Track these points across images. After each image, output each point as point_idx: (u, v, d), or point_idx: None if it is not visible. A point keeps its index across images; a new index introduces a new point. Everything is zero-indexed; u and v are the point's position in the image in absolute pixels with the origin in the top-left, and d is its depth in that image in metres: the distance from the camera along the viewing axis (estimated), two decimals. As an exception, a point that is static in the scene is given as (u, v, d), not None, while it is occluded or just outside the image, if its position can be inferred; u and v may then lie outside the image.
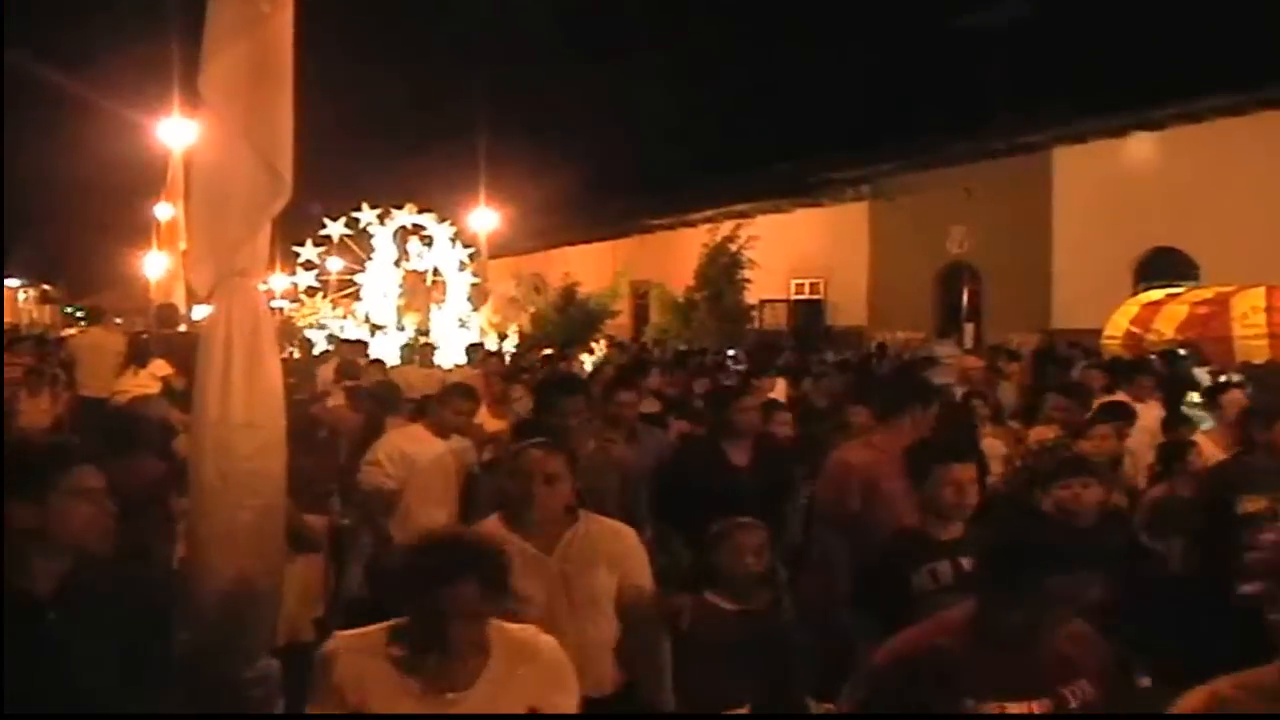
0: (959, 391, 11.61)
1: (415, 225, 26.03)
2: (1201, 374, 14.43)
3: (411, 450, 8.33)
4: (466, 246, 26.82)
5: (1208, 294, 19.38)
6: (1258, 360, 15.39)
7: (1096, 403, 10.36)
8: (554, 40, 44.06)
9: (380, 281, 25.42)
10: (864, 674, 3.97)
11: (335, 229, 26.10)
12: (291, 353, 19.19)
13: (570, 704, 3.87)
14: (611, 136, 46.36)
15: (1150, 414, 10.45)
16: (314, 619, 6.90)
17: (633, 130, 46.51)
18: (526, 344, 25.02)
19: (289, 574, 5.56)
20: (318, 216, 26.11)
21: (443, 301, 25.21)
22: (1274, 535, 3.91)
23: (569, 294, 34.95)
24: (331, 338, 23.07)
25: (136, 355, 14.15)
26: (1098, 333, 20.55)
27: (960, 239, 31.10)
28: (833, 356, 21.61)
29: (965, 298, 31.36)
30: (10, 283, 60.27)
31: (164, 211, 26.60)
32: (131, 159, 31.58)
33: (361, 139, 42.53)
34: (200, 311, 19.09)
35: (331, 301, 26.49)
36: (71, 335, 23.03)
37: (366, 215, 25.92)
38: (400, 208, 26.04)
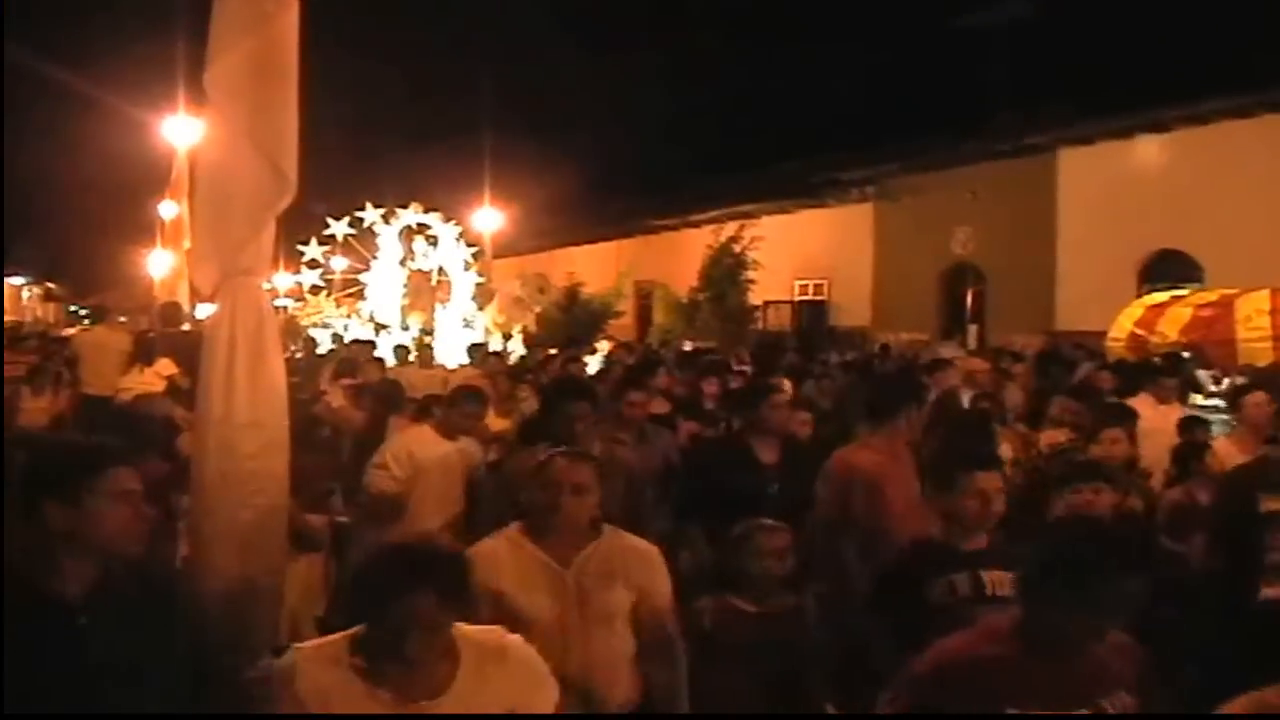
0: (966, 394, 11.57)
1: (420, 224, 26.06)
2: (1204, 377, 14.41)
3: (419, 453, 8.30)
4: (471, 246, 26.84)
5: (1212, 297, 19.35)
6: (1261, 363, 15.35)
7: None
8: (559, 40, 44.08)
9: (385, 281, 25.45)
10: (904, 680, 3.91)
11: (340, 228, 26.14)
12: (294, 352, 19.19)
13: (549, 701, 3.84)
14: (616, 136, 46.38)
15: (1173, 416, 10.27)
16: (316, 617, 6.90)
17: (637, 130, 46.53)
18: (534, 344, 24.99)
19: (291, 572, 5.57)
20: (321, 216, 26.14)
21: (447, 301, 25.21)
22: None
23: (573, 294, 34.96)
24: (336, 337, 23.10)
25: (142, 354, 14.15)
26: (1102, 335, 20.51)
27: (964, 240, 31.06)
28: (836, 358, 21.55)
29: (969, 299, 31.32)
30: (14, 280, 60.42)
31: (168, 210, 26.59)
32: (136, 157, 31.58)
33: (365, 138, 42.59)
34: (204, 310, 19.14)
35: (335, 300, 26.53)
36: (76, 333, 23.06)
37: (371, 214, 25.95)
38: (405, 207, 26.07)
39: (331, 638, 3.66)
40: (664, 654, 4.93)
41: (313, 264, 26.66)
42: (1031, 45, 32.26)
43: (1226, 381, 13.96)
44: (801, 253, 35.42)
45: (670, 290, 34.76)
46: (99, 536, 3.60)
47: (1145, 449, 8.94)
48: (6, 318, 46.17)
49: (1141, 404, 10.98)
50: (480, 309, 25.70)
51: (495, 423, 10.31)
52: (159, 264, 29.22)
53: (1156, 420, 10.08)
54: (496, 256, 31.36)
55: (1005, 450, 9.02)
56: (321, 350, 21.73)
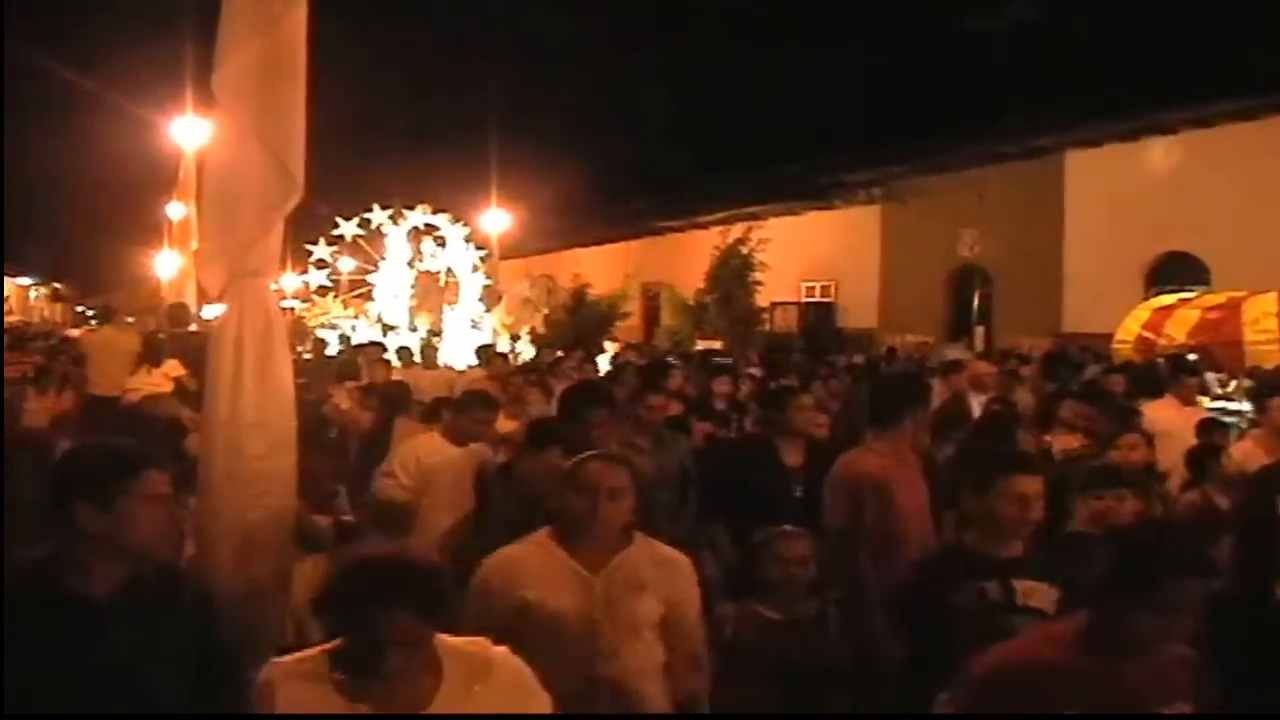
0: (977, 398, 11.53)
1: (428, 225, 26.08)
2: (1211, 379, 14.40)
3: (428, 460, 8.12)
4: (479, 248, 26.85)
5: (1219, 299, 19.39)
6: (1268, 365, 15.35)
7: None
8: (565, 41, 44.01)
9: (393, 282, 25.46)
10: (963, 682, 3.86)
11: (348, 229, 26.17)
12: (301, 353, 19.19)
13: (543, 710, 3.71)
14: (623, 138, 46.33)
15: (1196, 418, 10.11)
16: (322, 618, 6.88)
17: (644, 132, 46.47)
18: (542, 345, 24.97)
19: (297, 573, 5.55)
20: (329, 216, 26.17)
21: (455, 302, 25.22)
22: None
23: (580, 295, 34.97)
24: (343, 338, 23.11)
25: (150, 355, 14.14)
26: (1109, 337, 20.55)
27: (971, 242, 31.09)
28: (843, 360, 21.54)
29: (976, 301, 31.32)
30: (22, 281, 60.59)
31: (176, 211, 26.66)
32: (144, 158, 31.66)
33: (372, 139, 42.57)
34: (211, 311, 19.16)
35: (343, 301, 26.55)
36: (83, 334, 23.07)
37: (379, 215, 25.98)
38: (412, 208, 26.09)
39: (310, 651, 3.50)
40: (690, 666, 4.81)
41: (320, 264, 26.70)
42: (1038, 48, 32.25)
43: (1234, 383, 13.94)
44: (808, 254, 35.44)
45: (677, 292, 34.73)
46: (130, 539, 3.61)
47: (1169, 451, 8.84)
48: (14, 318, 46.32)
49: (1165, 406, 10.95)
50: (488, 310, 25.71)
51: (503, 424, 10.26)
52: (166, 265, 29.30)
53: (1180, 422, 9.98)
54: (503, 258, 31.39)
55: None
56: (331, 352, 21.72)
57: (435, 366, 17.62)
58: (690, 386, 13.31)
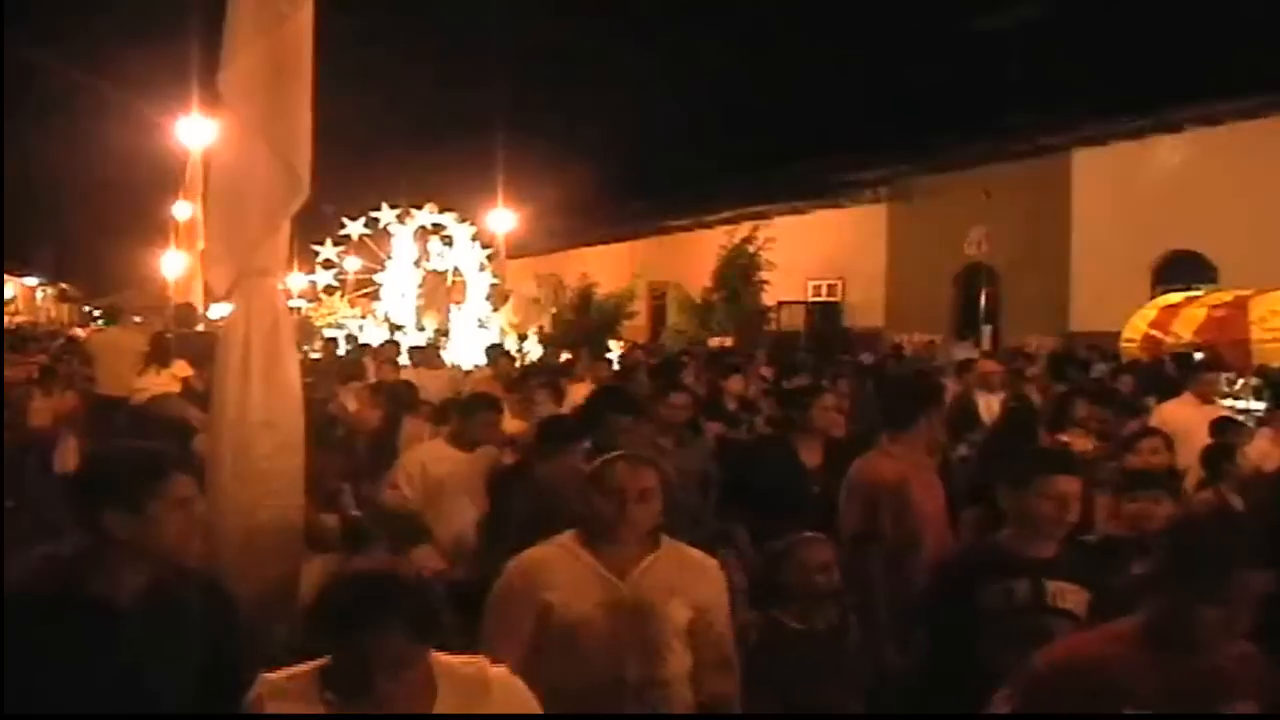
0: (984, 397, 11.50)
1: (435, 225, 26.08)
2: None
3: (436, 470, 7.91)
4: (485, 247, 26.84)
5: (1226, 297, 19.36)
6: (1276, 364, 15.33)
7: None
8: (572, 40, 44.02)
9: (400, 281, 25.46)
10: (1020, 679, 3.79)
11: (355, 228, 26.17)
12: (308, 352, 19.19)
13: None
14: (629, 137, 46.35)
15: (1214, 417, 9.98)
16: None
17: (651, 131, 46.48)
18: (549, 345, 24.95)
19: (305, 572, 5.55)
20: (334, 216, 26.19)
21: (462, 302, 25.21)
22: None
23: (586, 295, 34.97)
24: (350, 338, 23.11)
25: (159, 355, 14.14)
26: (1116, 335, 20.53)
27: (978, 241, 30.99)
28: (849, 359, 21.51)
29: (983, 299, 31.25)
30: (29, 281, 60.68)
31: (182, 210, 26.71)
32: (150, 158, 31.77)
33: (378, 138, 42.59)
34: (218, 311, 19.18)
35: (349, 301, 26.56)
36: (90, 334, 23.12)
37: (386, 214, 25.99)
38: (419, 207, 26.09)
39: (300, 668, 3.38)
40: (720, 673, 4.61)
41: (327, 264, 26.71)
42: (1045, 46, 32.23)
43: (1241, 382, 13.92)
44: (815, 253, 35.38)
45: (684, 291, 34.75)
46: (159, 543, 3.59)
47: (1190, 451, 8.67)
48: (21, 318, 46.39)
49: (1183, 404, 10.89)
50: (495, 310, 25.70)
51: (510, 424, 10.21)
52: (173, 265, 29.34)
53: (1198, 420, 9.88)
54: (509, 257, 31.37)
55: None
56: (341, 351, 21.72)
57: (442, 366, 17.56)
58: (700, 384, 13.24)
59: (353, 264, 27.10)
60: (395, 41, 42.68)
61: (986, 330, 30.34)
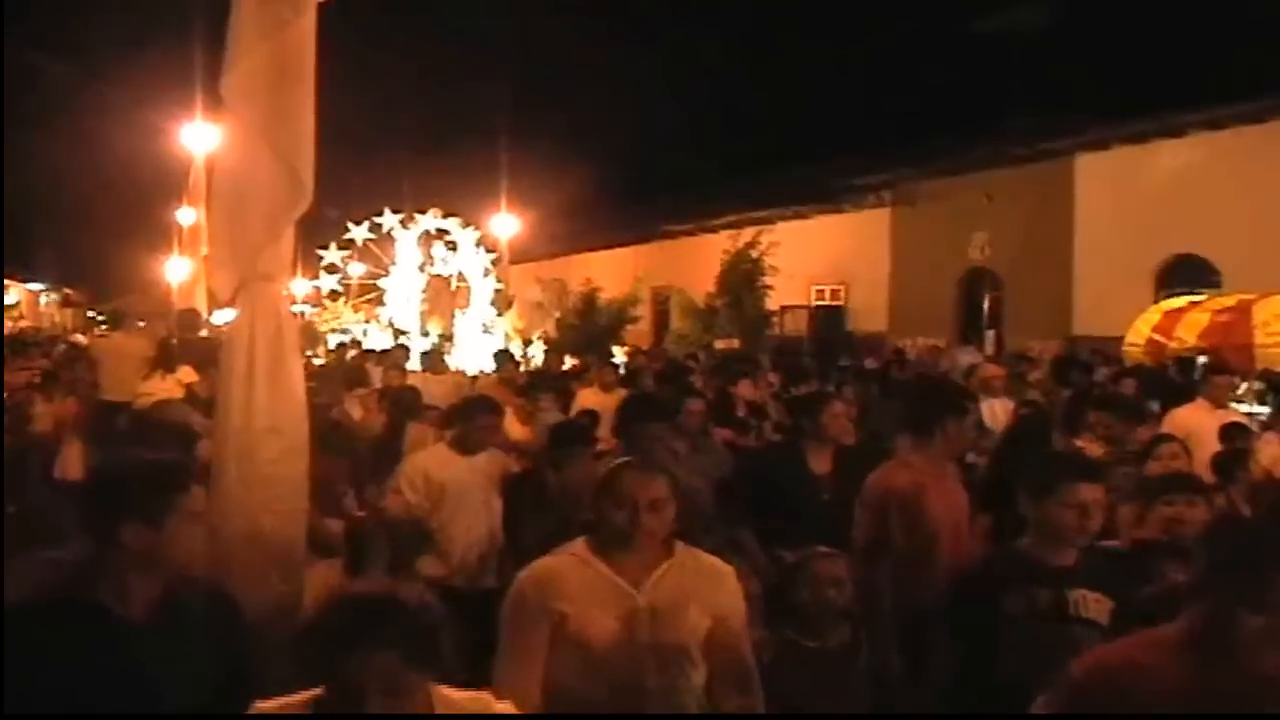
0: (986, 401, 11.48)
1: (439, 229, 26.11)
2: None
3: (438, 474, 7.81)
4: (489, 252, 26.87)
5: (1229, 301, 19.34)
6: (1279, 368, 15.32)
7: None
8: (575, 45, 44.04)
9: (404, 286, 25.49)
10: (1059, 686, 3.71)
11: (359, 233, 26.21)
12: (311, 356, 19.20)
13: None
14: (632, 142, 46.39)
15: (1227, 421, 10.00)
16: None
17: (654, 136, 46.53)
18: (553, 350, 24.97)
19: (309, 578, 5.54)
20: (336, 220, 26.23)
21: (466, 307, 25.23)
22: None
23: (590, 300, 34.96)
24: (354, 342, 23.14)
25: (164, 360, 14.14)
26: (1119, 340, 20.52)
27: (982, 245, 30.99)
28: (852, 363, 21.50)
29: (986, 304, 31.25)
30: (33, 286, 60.79)
31: (186, 216, 26.73)
32: (154, 163, 31.81)
33: (382, 143, 42.64)
34: (221, 316, 19.18)
35: (353, 306, 26.60)
36: (94, 339, 23.14)
37: (390, 219, 26.02)
38: (423, 212, 26.12)
39: (294, 698, 3.20)
40: (739, 682, 4.48)
41: (331, 269, 26.76)
42: (1048, 50, 32.23)
43: (1244, 386, 13.91)
44: (818, 258, 35.36)
45: (687, 295, 34.72)
46: (175, 556, 3.58)
47: (1201, 455, 8.59)
48: (26, 324, 46.44)
49: (1196, 409, 10.84)
50: (499, 315, 25.73)
51: (515, 429, 10.16)
52: (176, 270, 29.37)
53: (1211, 425, 9.85)
54: (513, 262, 31.40)
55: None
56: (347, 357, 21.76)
57: (447, 371, 17.57)
58: (709, 389, 13.17)
59: (357, 269, 27.16)
60: (398, 47, 42.73)
61: (989, 334, 30.34)
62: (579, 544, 4.43)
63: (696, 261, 37.06)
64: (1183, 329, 19.07)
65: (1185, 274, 25.49)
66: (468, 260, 25.96)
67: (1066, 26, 32.24)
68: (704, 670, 4.38)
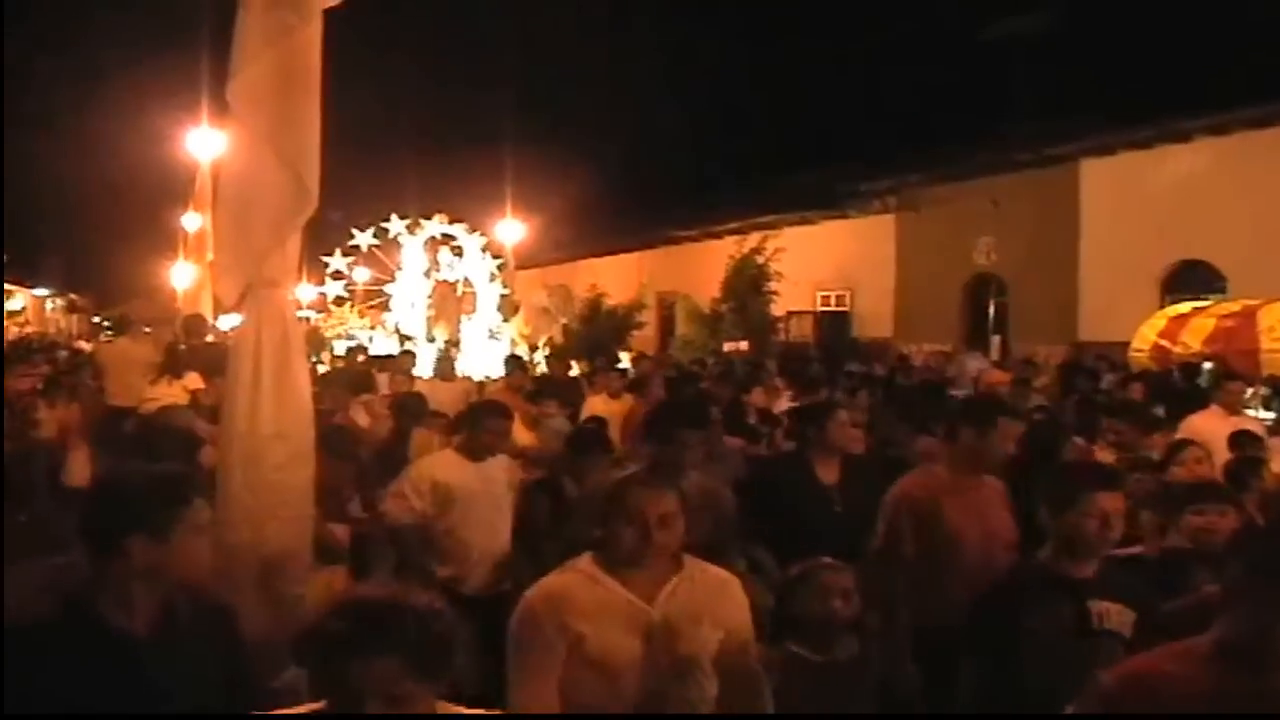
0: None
1: (445, 235, 26.11)
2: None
3: (445, 479, 7.69)
4: (495, 257, 26.87)
5: (1235, 307, 19.32)
6: (1285, 374, 15.32)
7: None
8: (580, 50, 44.08)
9: (409, 292, 25.49)
10: (1092, 693, 3.71)
11: (364, 239, 26.23)
12: (315, 362, 19.18)
13: None
14: (638, 148, 46.42)
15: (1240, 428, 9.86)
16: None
17: (659, 142, 46.55)
18: (558, 355, 24.96)
19: (314, 583, 5.54)
20: (341, 226, 26.24)
21: (472, 312, 25.24)
22: None
23: (596, 305, 34.95)
24: (360, 349, 23.14)
25: (171, 366, 14.12)
26: (1125, 345, 20.50)
27: (987, 250, 30.96)
28: (858, 368, 21.45)
29: (992, 309, 31.22)
30: (38, 292, 60.87)
31: (191, 222, 26.76)
32: (159, 169, 31.88)
33: (387, 149, 42.69)
34: (226, 322, 19.18)
35: (359, 312, 26.61)
36: (99, 345, 23.14)
37: (395, 225, 26.03)
38: (429, 218, 26.13)
39: (297, 710, 3.13)
40: (749, 692, 4.45)
41: (337, 275, 26.77)
42: (1053, 55, 32.21)
43: (1250, 391, 13.89)
44: (824, 263, 35.34)
45: (692, 301, 34.70)
46: (181, 569, 3.54)
47: (1215, 462, 8.37)
48: (31, 329, 46.50)
49: (1210, 416, 10.76)
50: (506, 320, 25.73)
51: (522, 435, 10.10)
52: (182, 276, 29.38)
53: (1226, 431, 9.70)
54: (518, 268, 31.40)
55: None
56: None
57: (454, 377, 17.57)
58: (716, 394, 13.08)
59: (362, 275, 27.16)
60: (403, 52, 42.77)
61: (995, 340, 30.32)
62: (585, 560, 4.33)
63: (702, 267, 37.04)
64: (1188, 334, 19.05)
65: (1191, 279, 25.46)
66: (474, 266, 25.95)
67: (1071, 31, 32.20)
68: (715, 685, 4.28)
